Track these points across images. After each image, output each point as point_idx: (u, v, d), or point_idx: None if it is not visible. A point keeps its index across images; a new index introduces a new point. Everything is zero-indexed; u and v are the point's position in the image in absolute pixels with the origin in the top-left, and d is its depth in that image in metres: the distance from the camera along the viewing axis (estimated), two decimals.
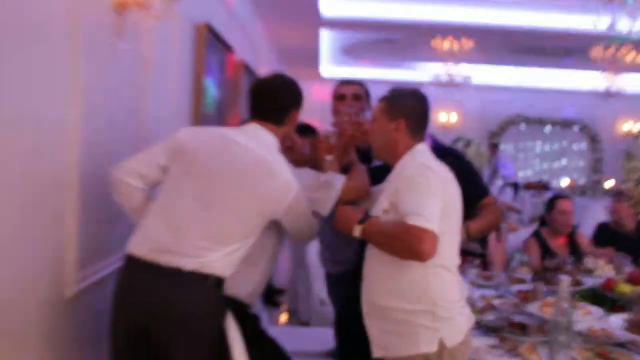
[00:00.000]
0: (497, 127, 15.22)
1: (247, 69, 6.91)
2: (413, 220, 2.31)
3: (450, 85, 11.37)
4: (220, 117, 5.64)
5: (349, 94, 3.67)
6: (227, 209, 2.54)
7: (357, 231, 2.51)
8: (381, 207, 2.55)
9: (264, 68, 8.31)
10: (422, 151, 2.67)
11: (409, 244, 2.29)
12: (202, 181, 2.57)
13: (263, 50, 8.43)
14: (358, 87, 3.70)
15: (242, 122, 2.82)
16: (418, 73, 13.20)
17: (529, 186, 12.61)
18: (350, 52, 11.83)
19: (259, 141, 2.69)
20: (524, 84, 14.18)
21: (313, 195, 2.83)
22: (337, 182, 2.88)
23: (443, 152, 2.98)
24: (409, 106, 2.70)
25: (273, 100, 2.76)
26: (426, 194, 2.40)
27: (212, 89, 5.20)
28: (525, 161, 15.65)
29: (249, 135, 2.70)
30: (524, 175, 15.26)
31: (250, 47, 7.39)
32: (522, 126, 15.37)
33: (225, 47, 5.60)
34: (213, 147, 2.63)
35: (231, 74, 6.10)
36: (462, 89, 11.85)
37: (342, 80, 3.75)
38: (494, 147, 13.43)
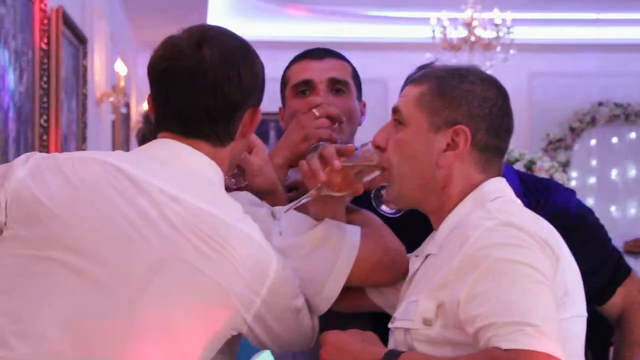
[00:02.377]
0: (560, 129, 9.92)
1: (68, 24, 4.48)
2: (516, 340, 1.37)
3: (471, 48, 8.39)
4: (21, 129, 3.66)
5: (321, 81, 2.15)
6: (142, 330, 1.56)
7: None
8: (419, 313, 1.56)
9: (100, 26, 5.79)
10: (499, 192, 1.68)
11: None
12: (84, 278, 1.55)
13: None
14: (338, 65, 2.21)
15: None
16: (405, 27, 9.51)
17: (633, 247, 7.44)
18: None
19: (188, 177, 1.64)
20: (610, 40, 10.05)
21: (304, 265, 1.77)
22: (350, 238, 1.80)
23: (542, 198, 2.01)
24: (478, 99, 1.67)
25: (206, 96, 1.66)
26: (527, 280, 1.45)
27: (7, 71, 3.39)
28: (619, 193, 10.32)
29: (166, 167, 1.64)
30: (618, 222, 9.86)
31: None
32: (610, 126, 10.12)
33: None
34: (98, 204, 1.58)
35: (41, 39, 3.97)
36: (493, 54, 8.47)
37: (303, 53, 2.25)
38: (563, 169, 9.20)
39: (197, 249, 1.58)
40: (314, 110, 2.07)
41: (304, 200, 1.82)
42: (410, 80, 1.79)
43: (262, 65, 1.78)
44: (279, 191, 2.02)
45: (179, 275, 1.57)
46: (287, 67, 2.27)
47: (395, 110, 1.74)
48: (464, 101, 1.69)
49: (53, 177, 1.61)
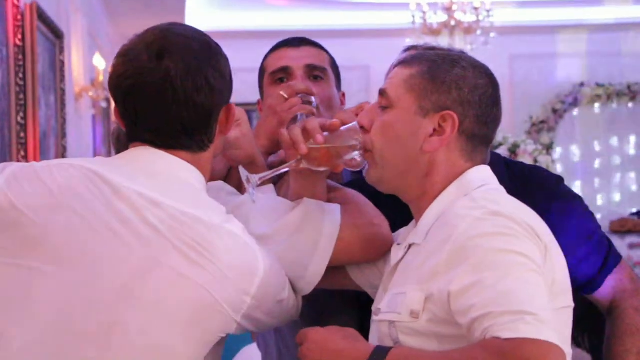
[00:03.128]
0: (543, 111, 9.86)
1: (43, 20, 4.39)
2: (517, 329, 1.33)
3: (451, 32, 8.31)
4: None
5: (298, 67, 2.14)
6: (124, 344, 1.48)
7: None
8: (406, 305, 1.53)
9: (77, 20, 5.73)
10: (483, 181, 1.64)
11: None
12: (63, 286, 1.48)
13: None
14: (315, 52, 2.20)
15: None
16: (385, 14, 9.27)
17: (618, 227, 8.41)
18: None
19: (168, 182, 1.58)
20: (590, 21, 9.95)
21: (286, 250, 1.72)
22: (331, 218, 1.76)
23: (523, 183, 1.93)
24: (469, 85, 1.63)
25: (178, 109, 1.58)
26: (522, 269, 1.42)
27: None
28: (604, 174, 10.23)
29: (146, 173, 1.58)
30: (604, 203, 10.08)
31: None
32: (596, 106, 10.05)
33: None
34: (76, 210, 1.51)
35: (15, 35, 3.87)
36: (474, 38, 8.40)
37: (280, 42, 2.24)
38: (547, 151, 9.31)
39: (181, 253, 1.52)
40: (282, 93, 2.03)
41: (282, 170, 1.77)
42: (399, 62, 1.74)
43: (226, 60, 1.69)
44: (259, 162, 1.95)
45: (163, 281, 1.51)
46: (265, 57, 2.24)
47: (383, 93, 1.69)
48: (455, 86, 1.64)
49: (30, 184, 1.55)
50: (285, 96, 2.03)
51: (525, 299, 1.40)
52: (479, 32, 8.33)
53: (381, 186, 1.73)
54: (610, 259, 2.04)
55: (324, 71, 2.17)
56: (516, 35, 9.63)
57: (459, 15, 8.25)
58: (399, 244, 1.72)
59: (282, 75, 2.15)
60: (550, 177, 2.10)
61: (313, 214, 1.79)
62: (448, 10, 8.20)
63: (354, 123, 1.73)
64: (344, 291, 1.96)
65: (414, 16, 8.21)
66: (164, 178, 1.60)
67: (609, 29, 9.86)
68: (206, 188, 1.69)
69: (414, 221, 1.72)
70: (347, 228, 1.78)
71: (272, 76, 2.17)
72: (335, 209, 1.81)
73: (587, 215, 2.08)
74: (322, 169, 1.76)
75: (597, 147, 10.21)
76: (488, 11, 8.19)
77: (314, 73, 2.16)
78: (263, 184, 1.81)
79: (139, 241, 1.51)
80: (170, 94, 1.58)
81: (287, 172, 1.85)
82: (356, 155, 1.73)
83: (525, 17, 9.72)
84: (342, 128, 1.74)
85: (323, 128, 1.73)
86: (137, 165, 1.61)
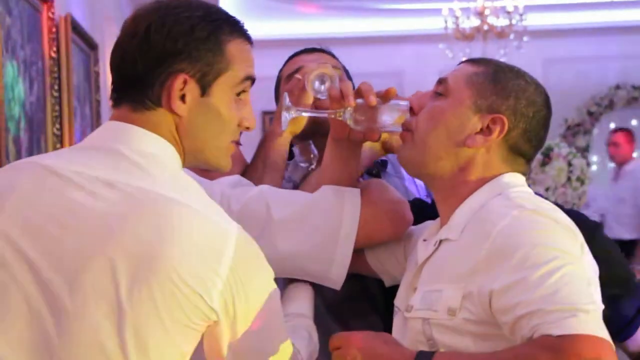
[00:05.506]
0: (578, 113, 9.66)
1: (80, 34, 4.40)
2: (570, 326, 1.33)
3: (484, 37, 8.19)
4: (34, 138, 3.57)
5: (312, 67, 2.13)
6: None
7: None
8: (443, 303, 1.52)
9: (111, 31, 5.71)
10: (517, 184, 1.64)
11: None
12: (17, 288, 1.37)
13: None
14: (329, 57, 2.29)
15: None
16: (418, 20, 9.11)
17: None
18: None
19: (127, 160, 1.42)
20: (624, 22, 9.70)
21: (309, 237, 1.73)
22: (351, 200, 1.76)
23: None
24: (527, 99, 1.66)
25: (133, 47, 1.46)
26: (566, 266, 1.41)
27: (16, 81, 3.25)
28: None
29: (102, 154, 1.43)
30: None
31: None
32: (629, 109, 9.74)
33: None
34: (24, 210, 1.40)
35: (50, 47, 3.89)
36: (507, 42, 8.31)
37: (298, 51, 2.33)
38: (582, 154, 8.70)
39: (133, 231, 1.37)
40: (297, 76, 2.08)
41: (323, 114, 1.80)
42: (467, 60, 1.76)
43: (204, 28, 1.48)
44: None
45: (111, 266, 1.35)
46: (281, 68, 2.32)
47: (442, 81, 1.70)
48: (514, 95, 1.67)
49: None
50: (300, 77, 2.07)
51: (573, 295, 1.40)
52: (512, 36, 8.26)
53: (411, 167, 1.75)
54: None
55: (338, 71, 2.19)
56: (549, 39, 9.53)
57: (491, 20, 8.19)
58: (425, 240, 1.72)
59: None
60: (588, 222, 2.01)
61: (332, 197, 1.80)
62: (480, 14, 8.13)
63: (406, 102, 1.75)
64: (369, 291, 1.95)
65: (446, 21, 8.16)
66: (123, 155, 1.44)
67: None
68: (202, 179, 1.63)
69: (439, 218, 1.73)
70: (366, 206, 1.79)
71: (287, 79, 2.21)
72: (354, 191, 1.81)
73: (620, 258, 2.02)
74: (359, 128, 1.76)
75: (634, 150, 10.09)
76: (521, 15, 8.11)
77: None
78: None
79: (89, 226, 1.38)
80: (131, 33, 1.48)
81: (309, 170, 1.87)
82: (394, 130, 1.77)
83: (558, 20, 9.62)
84: (392, 102, 1.76)
85: (377, 94, 1.76)
86: (95, 148, 1.49)
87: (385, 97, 1.76)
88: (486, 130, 1.66)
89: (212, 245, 1.39)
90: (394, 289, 1.82)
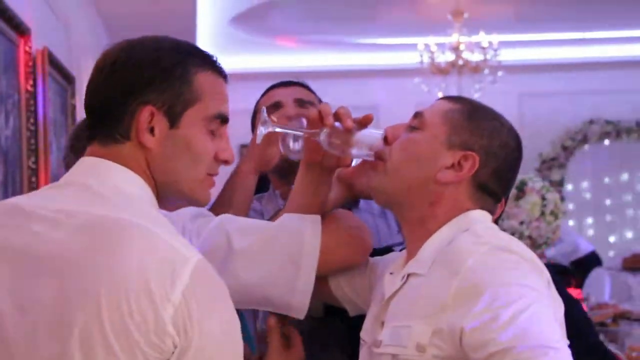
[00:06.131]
0: (553, 148, 9.87)
1: (57, 67, 4.38)
2: None
3: (459, 71, 8.25)
4: (9, 172, 3.51)
5: (288, 101, 2.27)
6: None
7: None
8: (412, 339, 1.52)
9: (88, 64, 5.73)
10: (485, 222, 1.66)
11: None
12: None
13: (82, 28, 5.87)
14: (305, 91, 2.34)
15: None
16: (394, 54, 9.28)
17: (631, 264, 8.05)
18: (254, 22, 8.15)
19: (95, 193, 1.41)
20: (594, 59, 9.90)
21: (270, 265, 1.72)
22: (312, 228, 1.76)
23: None
24: (500, 140, 1.68)
25: (100, 83, 1.46)
26: (536, 304, 1.44)
27: None
28: (616, 210, 10.15)
29: (72, 189, 1.44)
30: (616, 239, 10.08)
31: (59, 23, 4.94)
32: (606, 142, 10.00)
33: (14, 28, 3.55)
34: None
35: (27, 81, 3.80)
36: (482, 77, 8.38)
37: (275, 84, 2.39)
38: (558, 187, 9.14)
39: (86, 255, 1.33)
40: (272, 117, 2.06)
41: (299, 132, 1.79)
42: (445, 97, 1.78)
43: (171, 58, 1.46)
44: None
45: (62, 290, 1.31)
46: (257, 101, 2.36)
47: (418, 115, 1.71)
48: (487, 134, 1.68)
49: None
50: (275, 119, 2.07)
51: (543, 333, 1.41)
52: (486, 71, 8.32)
53: (381, 195, 1.74)
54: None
55: (313, 104, 2.24)
56: (524, 74, 9.63)
57: (466, 55, 8.25)
58: (391, 273, 1.72)
59: (273, 110, 2.23)
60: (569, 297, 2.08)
61: (293, 225, 1.78)
62: (455, 49, 8.18)
63: (381, 131, 1.76)
64: (335, 325, 1.97)
65: (422, 56, 8.21)
66: (93, 190, 1.43)
67: (616, 66, 9.86)
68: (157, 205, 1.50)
69: (404, 251, 1.73)
70: (326, 233, 1.78)
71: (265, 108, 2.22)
72: (315, 218, 1.80)
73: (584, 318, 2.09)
74: (333, 152, 1.76)
75: (608, 183, 10.19)
76: (495, 50, 8.18)
77: (304, 105, 2.24)
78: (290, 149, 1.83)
79: (50, 252, 1.36)
80: (101, 69, 1.47)
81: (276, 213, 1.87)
82: (365, 156, 1.77)
83: (532, 55, 9.74)
84: (368, 129, 1.78)
85: (355, 119, 1.77)
86: (67, 183, 1.48)
87: (362, 123, 1.77)
88: (457, 166, 1.66)
89: (168, 269, 1.31)
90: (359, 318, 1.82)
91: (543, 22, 8.75)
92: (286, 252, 1.76)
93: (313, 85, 2.41)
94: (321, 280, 1.83)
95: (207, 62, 1.50)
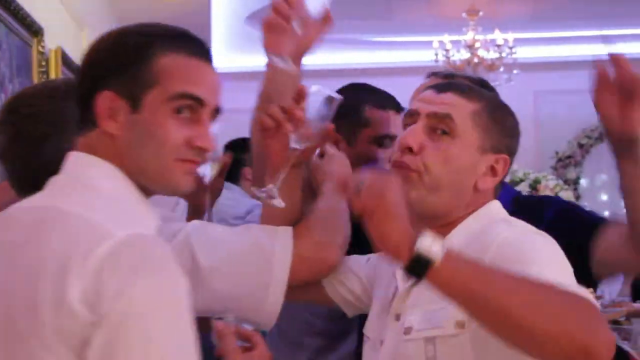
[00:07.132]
0: (569, 146, 9.81)
1: (68, 64, 4.38)
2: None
3: (474, 69, 8.14)
4: None
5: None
6: None
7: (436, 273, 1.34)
8: (450, 318, 1.54)
9: None
10: (503, 211, 1.74)
11: (587, 329, 1.32)
12: None
13: (96, 28, 5.68)
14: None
15: None
16: (408, 52, 9.23)
17: None
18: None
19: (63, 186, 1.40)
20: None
21: (239, 279, 1.71)
22: (281, 242, 1.76)
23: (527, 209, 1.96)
24: (517, 135, 1.77)
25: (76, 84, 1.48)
26: (563, 268, 1.52)
27: None
28: None
29: (53, 179, 1.42)
30: None
31: (72, 23, 5.03)
32: None
33: (27, 27, 3.64)
34: None
35: (39, 80, 3.85)
36: (497, 75, 8.24)
37: (385, 101, 2.62)
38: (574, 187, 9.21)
39: (21, 250, 1.31)
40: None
41: (282, 174, 1.78)
42: (452, 87, 1.73)
43: (133, 41, 1.43)
44: None
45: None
46: (364, 101, 2.49)
47: (446, 117, 1.67)
48: (510, 133, 1.74)
49: None
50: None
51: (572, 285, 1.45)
52: (501, 69, 8.29)
53: (420, 206, 1.67)
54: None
55: None
56: (540, 71, 9.58)
57: (481, 53, 8.23)
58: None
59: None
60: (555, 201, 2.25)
61: (263, 242, 1.77)
62: (471, 47, 8.17)
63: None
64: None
65: (437, 54, 8.19)
66: (59, 181, 1.42)
67: (632, 63, 9.77)
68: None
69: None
70: (300, 248, 1.78)
71: (377, 139, 2.31)
72: (286, 231, 1.79)
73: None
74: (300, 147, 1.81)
75: None
76: (511, 48, 8.15)
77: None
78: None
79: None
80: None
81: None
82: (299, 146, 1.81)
83: (547, 53, 9.69)
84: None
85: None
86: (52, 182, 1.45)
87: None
88: (491, 170, 1.70)
89: (85, 248, 1.25)
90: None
91: (558, 20, 8.71)
92: (256, 268, 1.74)
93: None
94: (316, 284, 1.85)
95: (177, 42, 1.44)
